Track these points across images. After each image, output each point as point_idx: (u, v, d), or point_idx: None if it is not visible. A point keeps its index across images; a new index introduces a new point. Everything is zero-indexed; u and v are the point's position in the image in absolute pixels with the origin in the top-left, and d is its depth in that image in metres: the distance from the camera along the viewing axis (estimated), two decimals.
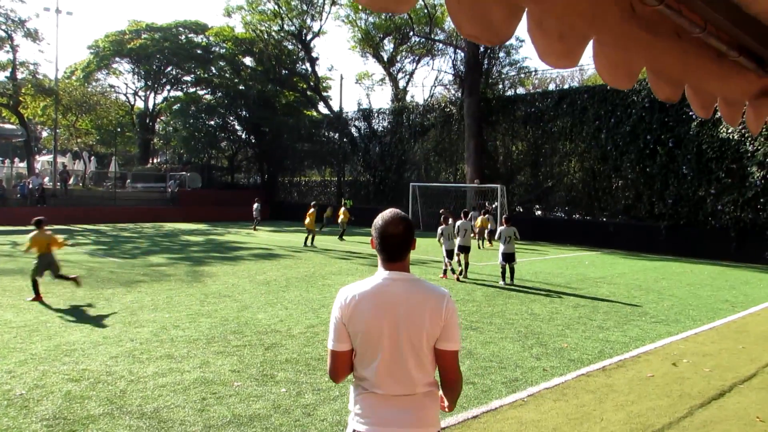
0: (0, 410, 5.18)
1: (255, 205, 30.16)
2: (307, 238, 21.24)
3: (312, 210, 21.58)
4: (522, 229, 25.72)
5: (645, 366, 7.01)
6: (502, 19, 1.75)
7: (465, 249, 14.14)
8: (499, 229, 13.65)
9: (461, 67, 32.15)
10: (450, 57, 36.59)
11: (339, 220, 24.98)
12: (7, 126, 41.00)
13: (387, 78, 42.69)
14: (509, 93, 32.84)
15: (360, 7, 33.75)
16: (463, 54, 31.43)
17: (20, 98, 36.59)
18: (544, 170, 27.11)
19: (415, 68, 41.34)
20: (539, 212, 28.00)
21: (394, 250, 2.35)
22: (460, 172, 31.05)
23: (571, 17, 1.96)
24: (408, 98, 40.51)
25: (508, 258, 13.20)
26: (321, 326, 8.56)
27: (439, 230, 14.14)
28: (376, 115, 36.72)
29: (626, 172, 23.24)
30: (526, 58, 43.46)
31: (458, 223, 14.25)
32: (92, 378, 6.05)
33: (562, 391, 6.04)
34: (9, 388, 5.73)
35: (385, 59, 41.18)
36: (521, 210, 28.12)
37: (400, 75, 42.36)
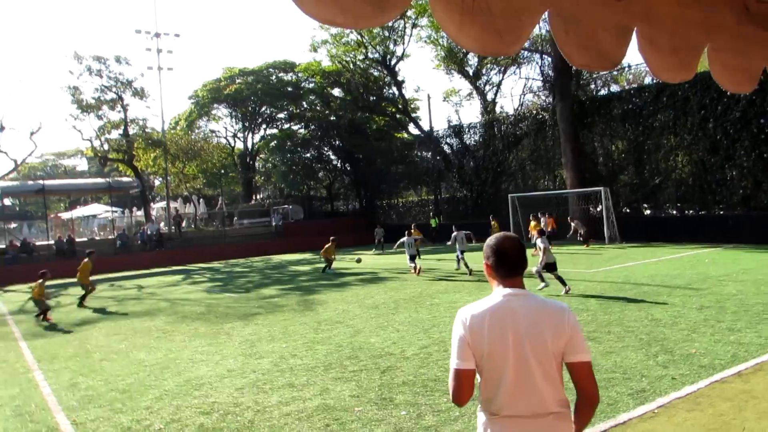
0: None
1: (378, 230, 30.73)
2: (326, 266, 21.84)
3: (330, 244, 22.00)
4: (631, 230, 24.94)
5: None
6: (612, 43, 1.75)
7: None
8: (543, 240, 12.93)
9: (550, 72, 31.50)
10: (537, 63, 35.88)
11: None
12: (125, 179, 44.32)
13: (474, 92, 42.43)
14: (603, 92, 31.78)
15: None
16: (550, 59, 30.80)
17: (133, 152, 39.41)
18: (649, 167, 25.91)
19: (502, 79, 40.80)
20: (648, 211, 26.75)
21: (513, 263, 2.40)
22: (559, 178, 30.27)
23: (684, 29, 1.91)
24: (497, 109, 40.05)
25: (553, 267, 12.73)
26: (434, 347, 8.57)
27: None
28: (467, 130, 36.62)
29: (741, 161, 21.80)
30: None
31: (453, 234, 16.16)
32: (222, 410, 6.36)
33: (696, 400, 5.71)
34: (149, 423, 6.13)
35: (471, 74, 40.97)
36: (628, 211, 26.98)
37: (487, 87, 41.97)
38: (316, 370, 7.73)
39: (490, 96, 41.85)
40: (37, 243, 33.41)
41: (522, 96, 38.97)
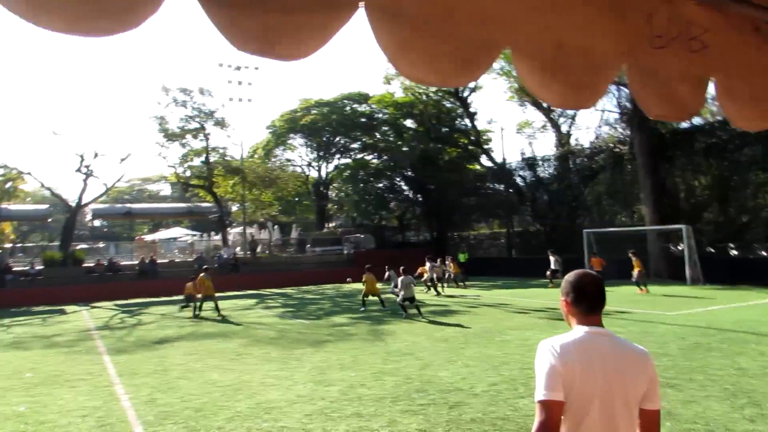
0: None
1: (552, 258, 28.98)
2: (195, 306, 19.53)
3: (203, 275, 19.48)
4: (716, 271, 23.74)
5: None
6: (690, 94, 1.74)
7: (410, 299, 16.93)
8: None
9: (627, 103, 30.72)
10: (614, 95, 35.06)
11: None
12: (204, 204, 46.28)
13: (548, 124, 41.88)
14: (685, 125, 30.75)
15: None
16: (627, 90, 30.08)
17: (213, 179, 41.11)
18: (735, 205, 24.74)
19: (577, 111, 40.15)
20: (735, 252, 25.42)
21: (594, 298, 2.35)
22: (638, 214, 29.31)
23: (763, 78, 1.88)
24: (572, 142, 39.36)
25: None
26: (503, 384, 8.40)
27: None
28: (540, 162, 36.18)
29: None
30: None
31: (399, 279, 16.93)
32: None
33: None
34: None
35: (545, 105, 40.52)
36: (712, 251, 25.72)
37: (561, 119, 41.32)
38: (384, 401, 7.72)
39: (564, 128, 41.19)
40: (122, 263, 35.06)
41: (598, 128, 38.07)
